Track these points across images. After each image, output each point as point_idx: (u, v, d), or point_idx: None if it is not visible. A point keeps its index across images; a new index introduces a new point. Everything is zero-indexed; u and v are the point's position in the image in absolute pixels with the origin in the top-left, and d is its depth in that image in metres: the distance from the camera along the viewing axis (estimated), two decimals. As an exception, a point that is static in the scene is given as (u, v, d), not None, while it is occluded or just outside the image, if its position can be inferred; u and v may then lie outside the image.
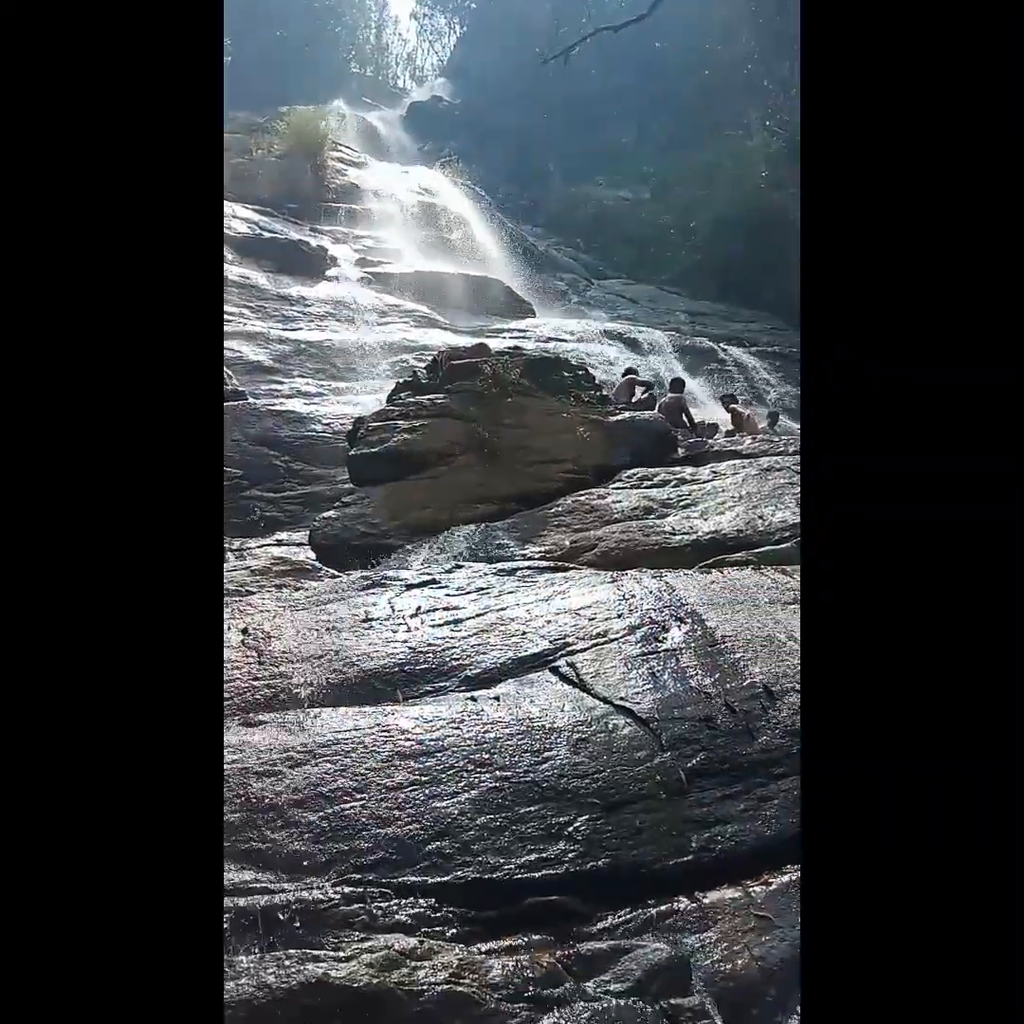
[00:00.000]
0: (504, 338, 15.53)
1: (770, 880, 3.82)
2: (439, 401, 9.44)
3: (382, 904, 3.59)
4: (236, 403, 12.89)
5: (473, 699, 4.78)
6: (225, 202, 19.70)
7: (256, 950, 3.35)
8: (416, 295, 19.22)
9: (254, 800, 4.24)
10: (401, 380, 10.88)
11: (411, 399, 9.66)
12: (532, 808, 3.92)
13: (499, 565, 6.68)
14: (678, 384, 14.90)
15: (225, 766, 4.39)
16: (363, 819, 4.06)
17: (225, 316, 16.86)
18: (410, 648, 5.47)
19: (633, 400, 13.00)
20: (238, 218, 20.92)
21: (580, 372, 10.95)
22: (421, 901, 3.60)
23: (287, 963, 3.11)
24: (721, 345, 22.41)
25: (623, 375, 14.62)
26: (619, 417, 9.91)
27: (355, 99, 37.65)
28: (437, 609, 5.91)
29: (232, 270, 18.35)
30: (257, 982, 3.02)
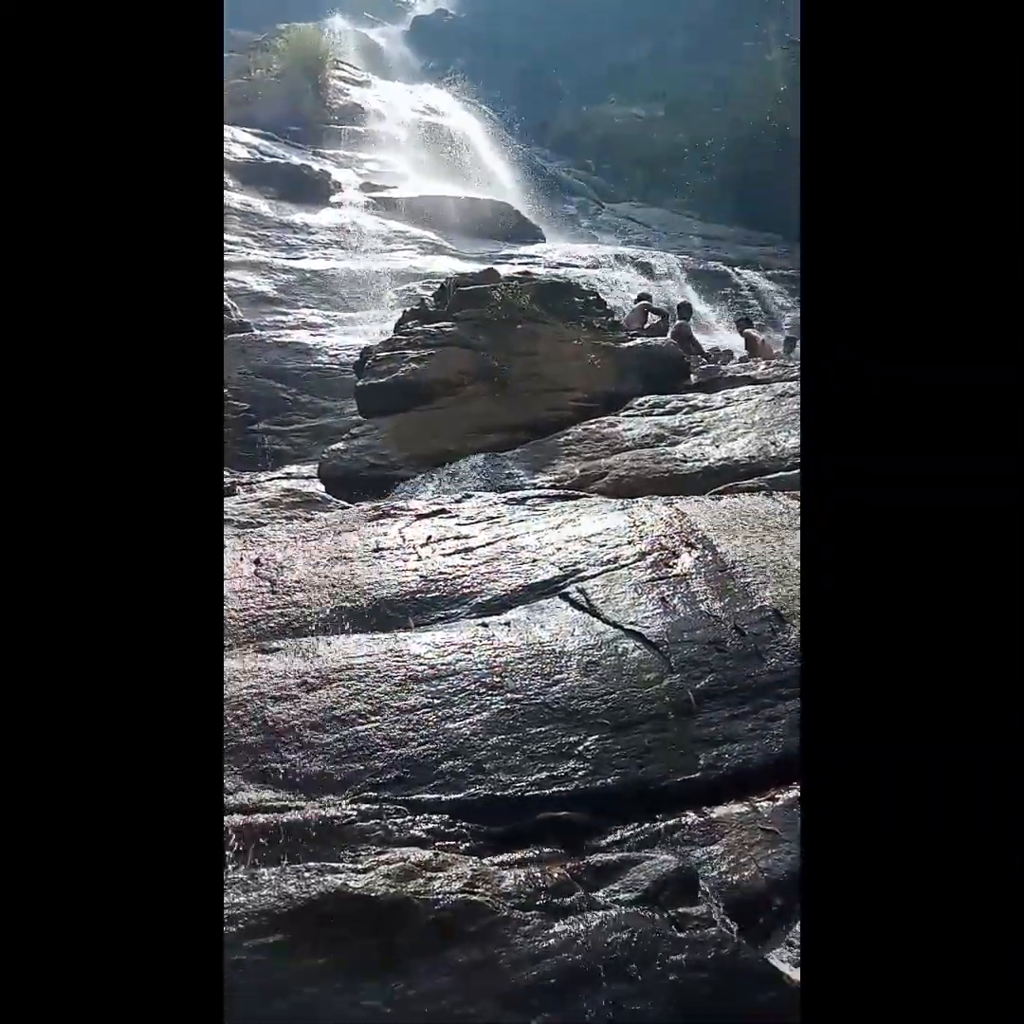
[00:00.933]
0: (513, 264, 15.16)
1: (777, 796, 3.90)
2: (447, 329, 9.28)
3: (397, 820, 3.69)
4: (241, 335, 12.73)
5: (484, 625, 4.83)
6: (224, 127, 19.11)
7: (276, 864, 3.47)
8: (422, 220, 18.73)
9: (270, 723, 4.34)
10: (408, 309, 10.68)
11: (418, 328, 9.50)
12: (543, 728, 3.99)
13: (509, 494, 6.66)
14: (685, 309, 14.56)
15: (242, 691, 4.48)
16: (377, 740, 4.15)
17: (228, 246, 16.51)
18: (421, 577, 5.51)
19: (645, 326, 12.74)
20: (238, 142, 20.32)
21: (591, 298, 10.70)
22: (435, 817, 3.70)
23: (306, 875, 3.22)
24: (735, 269, 21.82)
25: (636, 301, 14.29)
26: (630, 344, 9.71)
27: (356, 14, 36.02)
28: (447, 538, 5.93)
29: (233, 197, 17.91)
30: (278, 893, 3.13)
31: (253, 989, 2.90)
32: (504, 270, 11.49)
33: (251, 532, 6.84)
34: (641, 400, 8.93)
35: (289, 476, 9.42)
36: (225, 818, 3.94)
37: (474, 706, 4.20)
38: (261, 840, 3.70)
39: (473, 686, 4.32)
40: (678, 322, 13.54)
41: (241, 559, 6.34)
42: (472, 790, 3.80)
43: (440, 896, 3.13)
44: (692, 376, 9.77)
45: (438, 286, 11.16)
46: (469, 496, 6.67)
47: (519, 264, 15.19)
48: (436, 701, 4.27)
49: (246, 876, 3.27)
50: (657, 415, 8.73)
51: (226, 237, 16.71)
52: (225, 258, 15.75)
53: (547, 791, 3.71)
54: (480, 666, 4.43)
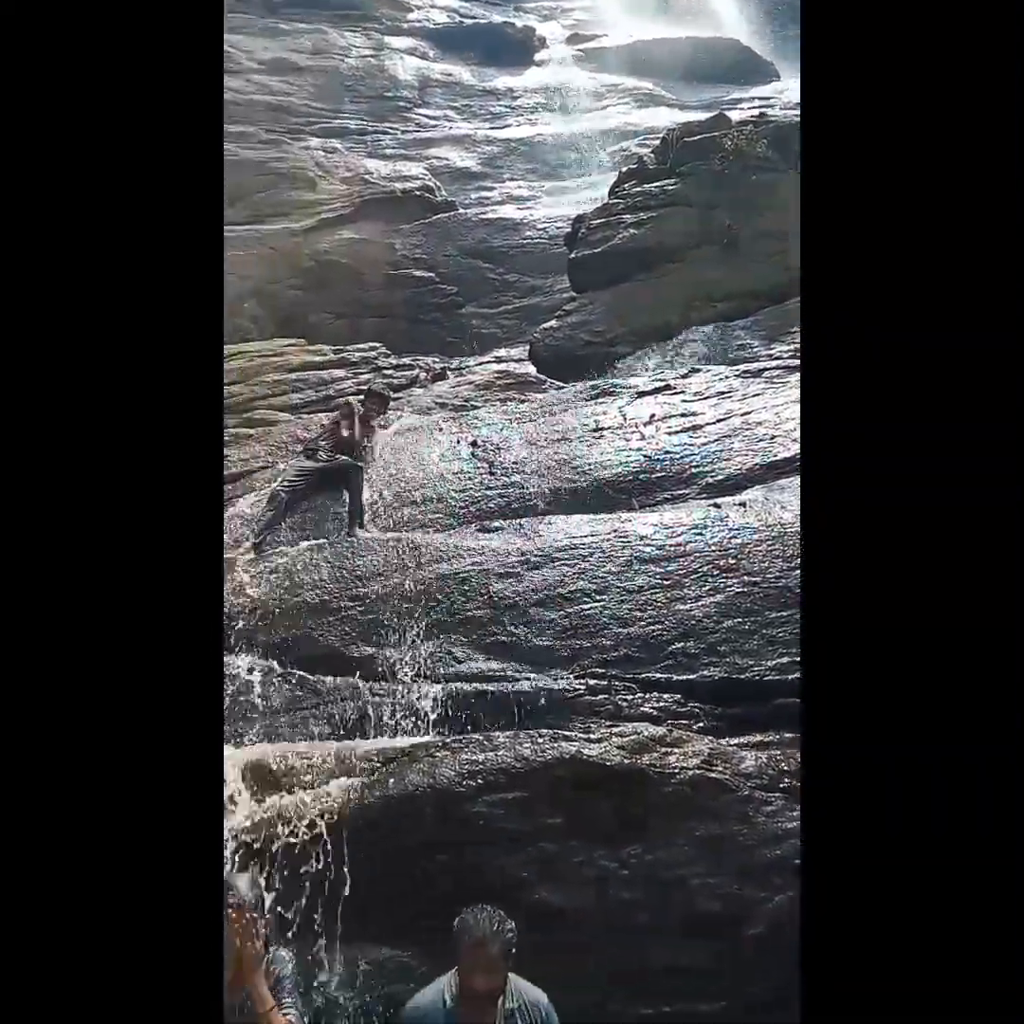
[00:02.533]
0: (744, 108, 13.96)
1: None
2: (670, 188, 8.87)
3: (627, 697, 3.84)
4: (446, 215, 12.94)
5: (716, 506, 4.76)
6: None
7: (508, 728, 3.75)
8: (637, 70, 17.73)
9: (496, 599, 4.61)
10: (624, 169, 10.31)
11: (637, 189, 9.16)
12: (784, 613, 3.92)
13: (742, 367, 6.40)
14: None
15: (466, 567, 4.78)
16: (604, 619, 4.29)
17: (430, 120, 16.66)
18: (645, 456, 5.50)
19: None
20: (436, 7, 20.14)
21: (839, 140, 9.71)
22: (666, 696, 3.80)
23: (540, 740, 3.44)
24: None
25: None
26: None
27: None
28: (673, 416, 5.84)
29: (433, 68, 17.91)
30: (514, 754, 3.38)
31: (491, 841, 3.21)
32: (735, 116, 10.67)
33: (466, 415, 7.11)
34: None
35: (498, 360, 9.62)
36: (454, 684, 4.30)
37: (706, 588, 4.20)
38: (492, 706, 4.01)
39: (705, 568, 4.31)
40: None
41: (458, 441, 6.64)
42: (705, 672, 3.84)
43: (677, 770, 3.24)
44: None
45: (658, 141, 10.64)
46: (696, 370, 6.48)
47: (751, 108, 14.01)
48: (665, 582, 4.31)
49: (481, 737, 3.56)
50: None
51: (426, 112, 16.85)
52: (428, 135, 15.95)
53: (787, 677, 3.67)
54: (713, 548, 4.40)
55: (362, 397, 7.03)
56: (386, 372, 9.00)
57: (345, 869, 3.13)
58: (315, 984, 2.93)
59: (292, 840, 3.23)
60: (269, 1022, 2.42)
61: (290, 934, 3.01)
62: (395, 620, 4.53)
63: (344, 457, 5.97)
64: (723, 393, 5.95)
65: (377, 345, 9.65)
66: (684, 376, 6.41)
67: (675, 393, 6.14)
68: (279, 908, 3.05)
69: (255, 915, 2.54)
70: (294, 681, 4.36)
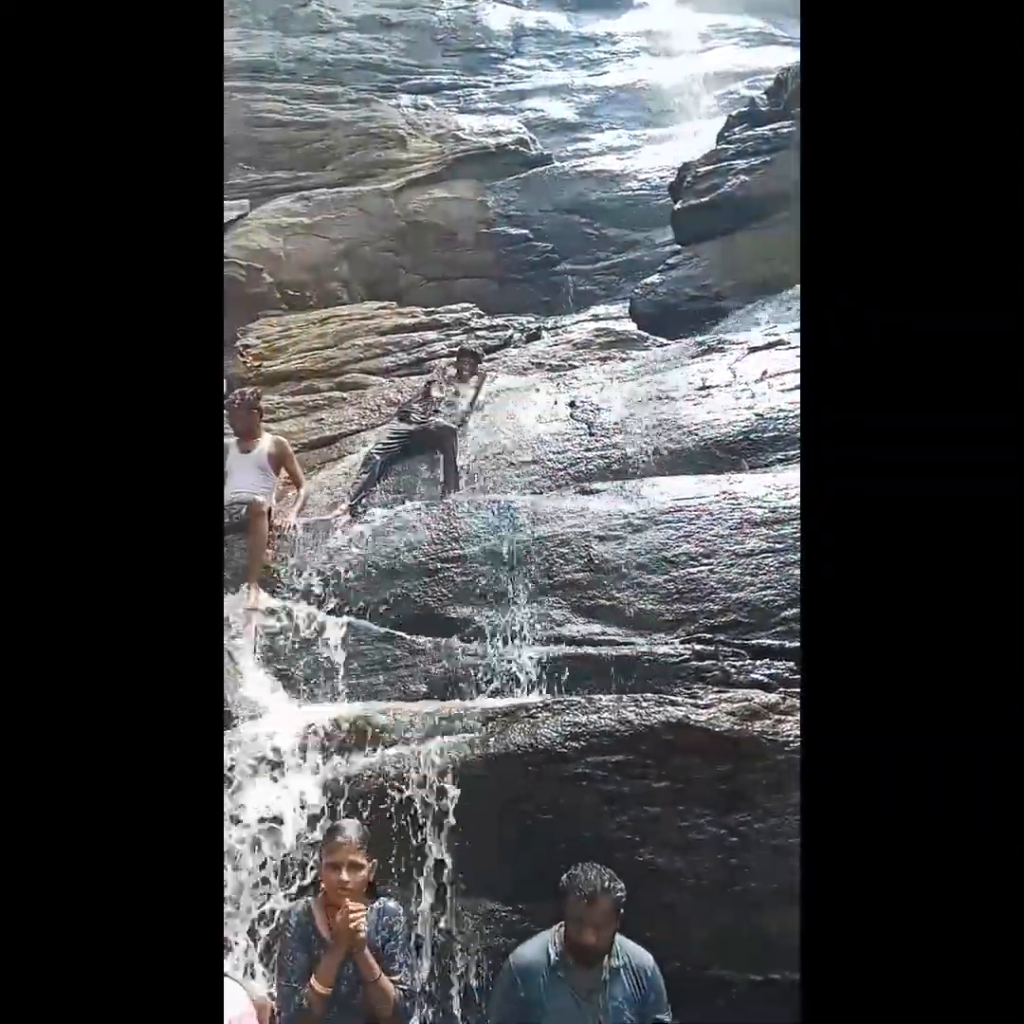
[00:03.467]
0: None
1: None
2: (784, 130, 8.57)
3: (736, 663, 3.80)
4: (542, 169, 12.85)
5: (834, 466, 4.63)
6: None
7: (609, 692, 3.78)
8: (745, 7, 17.18)
9: (597, 561, 4.62)
10: (734, 113, 10.02)
11: (748, 133, 8.90)
12: (909, 578, 3.80)
13: (862, 320, 6.17)
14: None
15: (566, 529, 4.80)
16: (712, 583, 4.25)
17: (524, 71, 16.53)
18: (756, 415, 5.39)
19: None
20: (529, -50, 19.95)
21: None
22: (778, 663, 3.75)
23: (644, 704, 3.46)
24: None
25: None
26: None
27: None
28: (786, 372, 5.70)
29: (527, 16, 17.71)
30: (618, 717, 3.41)
31: (595, 801, 3.26)
32: (855, 50, 10.22)
33: (564, 375, 7.10)
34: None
35: (596, 318, 9.56)
36: (553, 647, 4.35)
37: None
38: (594, 670, 4.04)
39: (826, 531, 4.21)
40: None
41: (555, 402, 6.65)
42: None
43: (790, 739, 3.21)
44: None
45: (771, 81, 10.28)
46: (812, 324, 6.30)
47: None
48: (778, 546, 4.24)
49: (583, 700, 3.60)
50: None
51: (521, 63, 16.69)
52: (522, 86, 15.84)
53: (914, 646, 3.56)
54: (830, 510, 4.29)
55: (454, 358, 7.12)
56: (479, 333, 9.07)
57: (447, 825, 3.24)
58: (414, 939, 3.04)
59: (395, 794, 3.35)
60: (379, 990, 2.46)
61: (392, 890, 3.15)
62: (493, 582, 4.60)
63: (438, 419, 6.07)
64: (841, 348, 5.77)
65: (470, 305, 9.73)
66: (798, 330, 6.23)
67: (789, 348, 5.99)
68: (379, 864, 3.19)
69: (363, 854, 2.66)
70: (392, 642, 4.49)
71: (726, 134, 9.27)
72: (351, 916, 2.47)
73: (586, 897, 2.48)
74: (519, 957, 2.59)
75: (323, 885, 2.63)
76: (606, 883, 2.51)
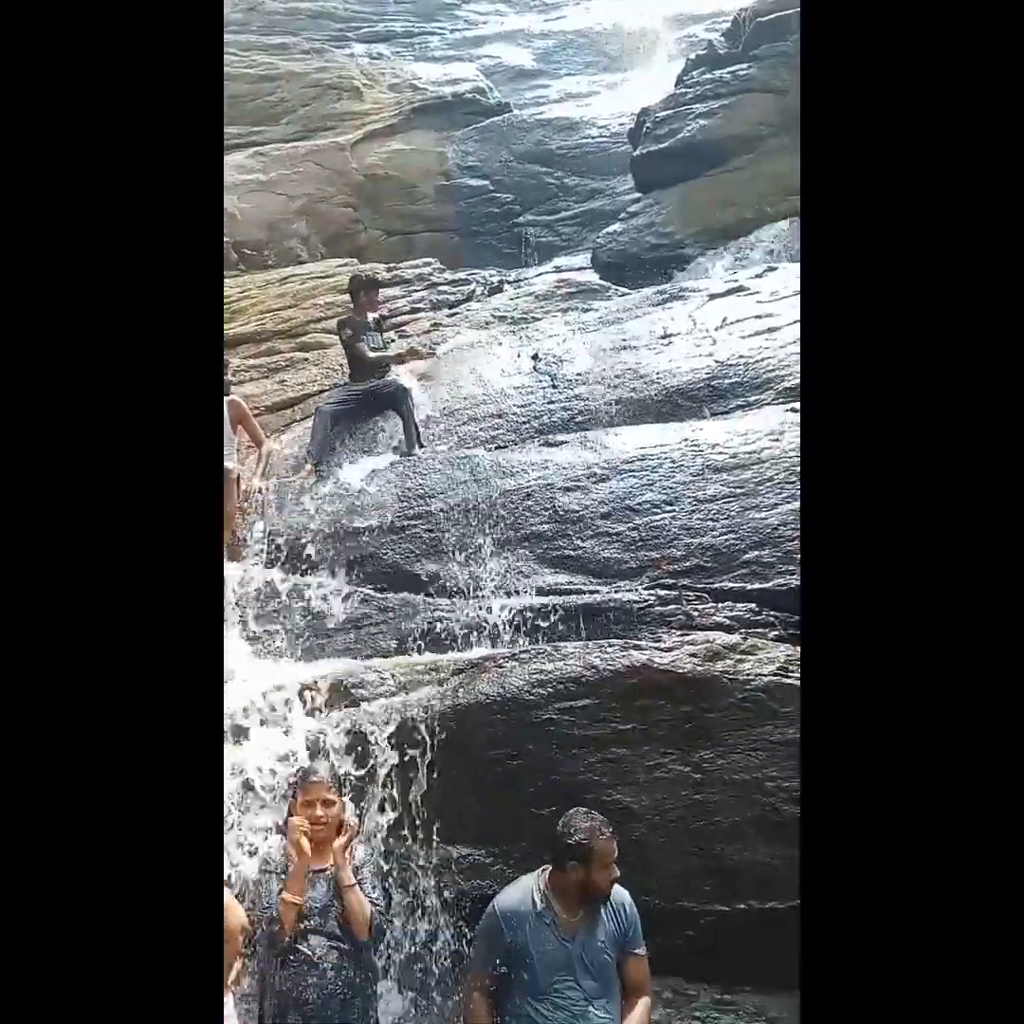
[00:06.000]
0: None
1: None
2: (743, 73, 8.46)
3: (699, 606, 3.87)
4: (500, 118, 12.61)
5: (794, 410, 4.67)
6: None
7: (578, 638, 3.83)
8: (703, -54, 16.83)
9: (562, 512, 4.65)
10: (692, 56, 9.87)
11: (707, 76, 8.77)
12: (866, 518, 3.87)
13: (821, 264, 6.18)
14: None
15: (530, 482, 4.82)
16: (674, 529, 4.30)
17: (479, 16, 16.14)
18: (717, 361, 5.40)
19: None
20: None
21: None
22: (739, 605, 3.82)
23: (609, 650, 3.52)
24: None
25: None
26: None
27: None
28: (746, 319, 5.70)
29: (482, -43, 17.30)
30: (584, 663, 3.47)
31: (563, 745, 3.32)
32: (813, -12, 10.07)
33: (526, 327, 7.06)
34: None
35: (558, 269, 9.47)
36: (521, 599, 4.40)
37: (783, 495, 4.17)
38: (557, 620, 4.10)
39: (782, 475, 4.27)
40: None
41: (518, 355, 6.61)
42: (781, 580, 3.84)
43: (752, 677, 3.29)
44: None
45: (728, 22, 10.12)
46: (772, 269, 6.30)
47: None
48: (739, 491, 4.29)
49: (549, 648, 3.66)
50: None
51: (476, 8, 16.29)
52: (478, 32, 15.48)
53: (871, 584, 3.64)
54: (790, 454, 4.34)
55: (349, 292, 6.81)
56: (441, 288, 8.96)
57: (421, 773, 3.30)
58: (389, 879, 3.11)
59: (370, 747, 3.40)
60: (355, 897, 2.65)
61: (370, 837, 3.21)
62: (460, 537, 4.62)
63: (392, 378, 6.00)
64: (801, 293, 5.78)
65: (431, 260, 9.59)
66: (758, 276, 6.23)
67: (749, 294, 5.99)
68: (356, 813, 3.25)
69: (333, 792, 2.84)
70: (361, 599, 4.51)
71: (684, 78, 9.15)
72: (293, 826, 2.71)
73: (608, 838, 2.52)
74: (504, 902, 2.59)
75: (294, 821, 2.77)
76: (610, 826, 2.56)
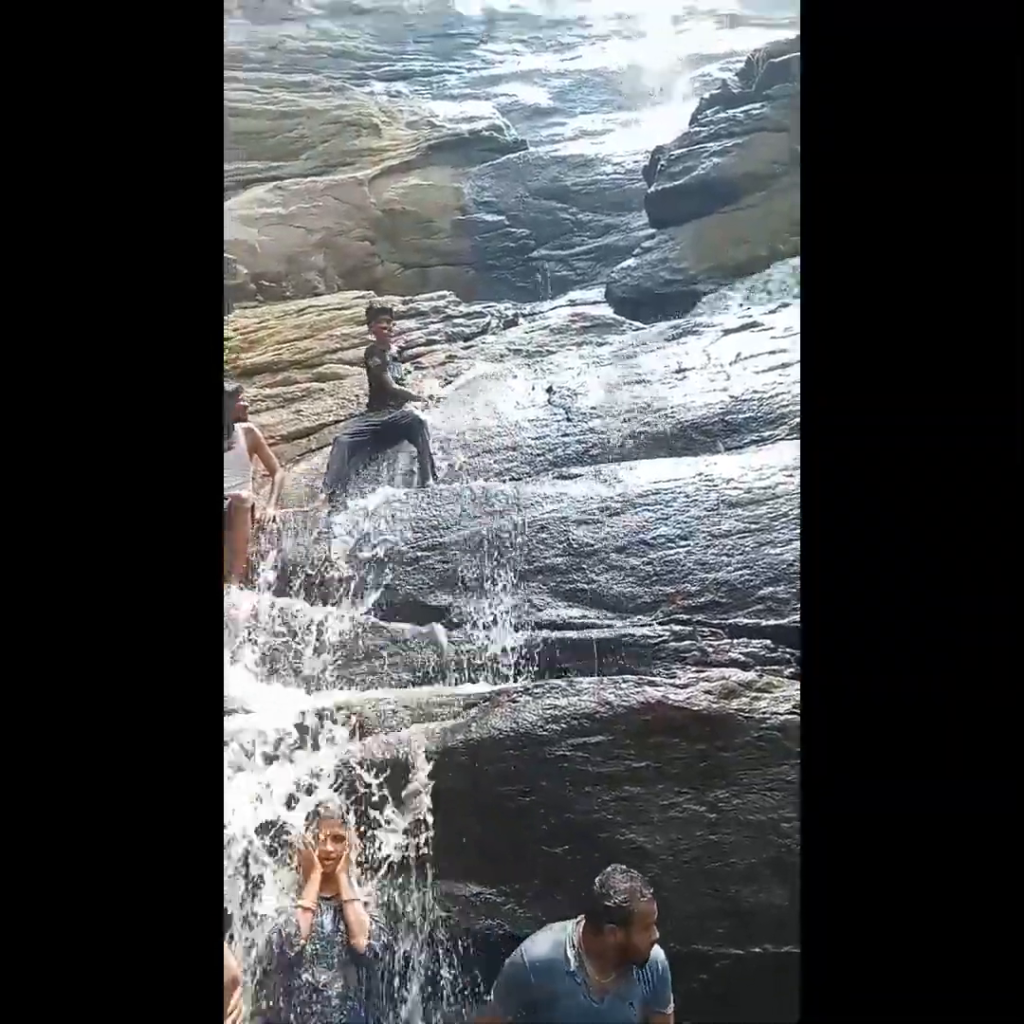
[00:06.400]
0: (835, 26, 13.35)
1: None
2: (756, 112, 8.57)
3: (714, 642, 3.84)
4: (516, 155, 12.80)
5: (808, 446, 4.67)
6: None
7: (591, 675, 3.80)
8: (717, -12, 17.13)
9: (576, 546, 4.64)
10: (706, 96, 10.01)
11: (721, 115, 8.88)
12: (883, 555, 3.85)
13: (835, 300, 6.21)
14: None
15: (545, 515, 4.82)
16: (689, 564, 4.28)
17: (497, 56, 16.44)
18: (731, 396, 5.41)
19: None
20: (500, -69, 19.78)
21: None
22: (755, 642, 3.79)
23: (624, 686, 3.49)
24: None
25: None
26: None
27: None
28: (761, 354, 5.72)
29: (499, 1, 17.64)
30: (598, 699, 3.44)
31: (576, 782, 3.28)
32: (825, 30, 10.21)
33: (540, 361, 7.10)
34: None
35: (573, 303, 9.54)
36: (532, 632, 4.37)
37: (798, 531, 4.14)
38: (572, 653, 4.07)
39: (797, 511, 4.25)
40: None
41: (533, 388, 6.65)
42: (796, 617, 3.81)
43: (767, 715, 3.25)
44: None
45: (742, 63, 10.27)
46: (786, 305, 6.33)
47: (843, 23, 13.35)
48: (753, 526, 4.28)
49: (564, 683, 3.63)
50: None
51: (493, 48, 16.61)
52: (495, 71, 15.74)
53: (888, 622, 3.61)
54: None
55: (367, 321, 6.85)
56: (457, 321, 9.04)
57: (430, 810, 3.26)
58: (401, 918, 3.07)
59: (377, 781, 3.37)
60: (353, 910, 2.83)
61: (378, 871, 3.17)
62: (473, 569, 4.61)
63: (408, 409, 6.03)
64: (815, 328, 5.80)
65: (447, 293, 9.68)
66: (771, 312, 6.26)
67: (763, 330, 6.01)
68: (366, 846, 3.21)
69: (344, 827, 3.03)
70: (374, 630, 4.49)
71: (699, 116, 9.26)
72: (306, 841, 2.94)
73: (647, 898, 2.44)
74: (534, 951, 2.48)
75: (306, 836, 3.01)
76: (650, 888, 2.49)
